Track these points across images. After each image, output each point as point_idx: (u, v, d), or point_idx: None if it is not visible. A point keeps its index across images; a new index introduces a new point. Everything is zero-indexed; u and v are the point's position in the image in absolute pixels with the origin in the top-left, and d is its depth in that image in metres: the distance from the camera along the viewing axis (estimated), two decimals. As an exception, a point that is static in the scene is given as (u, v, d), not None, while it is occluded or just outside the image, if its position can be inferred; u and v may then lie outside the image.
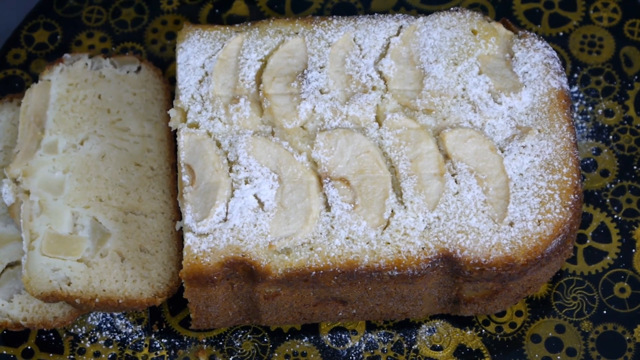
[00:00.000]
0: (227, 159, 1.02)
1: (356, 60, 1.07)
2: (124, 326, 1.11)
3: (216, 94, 1.05)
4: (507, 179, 1.01)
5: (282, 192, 1.01)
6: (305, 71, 1.06)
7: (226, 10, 1.27)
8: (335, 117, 1.04)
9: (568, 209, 1.00)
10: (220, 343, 1.10)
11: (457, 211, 1.00)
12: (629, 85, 1.22)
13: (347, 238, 1.00)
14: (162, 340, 1.10)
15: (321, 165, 1.02)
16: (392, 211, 1.01)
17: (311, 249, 0.99)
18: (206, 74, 1.06)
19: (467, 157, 1.02)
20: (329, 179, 1.01)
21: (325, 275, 0.99)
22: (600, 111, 1.21)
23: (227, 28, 1.10)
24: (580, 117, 1.20)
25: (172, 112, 1.06)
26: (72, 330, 1.11)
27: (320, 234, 1.00)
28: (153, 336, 1.11)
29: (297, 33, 1.09)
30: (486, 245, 0.99)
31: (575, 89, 1.22)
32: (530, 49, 1.08)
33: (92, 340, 1.10)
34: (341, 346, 1.10)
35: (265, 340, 1.10)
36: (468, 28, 1.09)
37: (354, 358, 1.10)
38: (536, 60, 1.07)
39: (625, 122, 1.20)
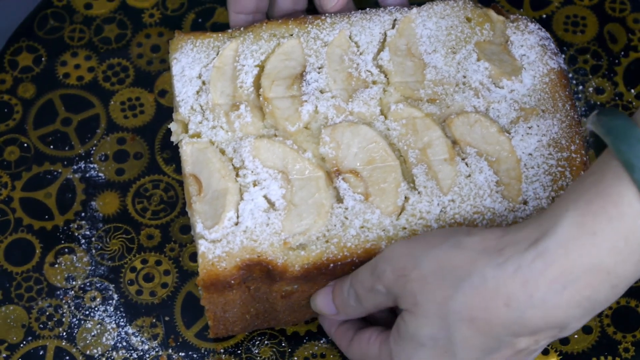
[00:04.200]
0: (233, 165, 1.02)
1: (354, 57, 1.07)
2: (140, 343, 1.10)
3: (215, 103, 1.04)
4: (517, 160, 1.02)
5: (291, 191, 1.00)
6: (304, 73, 1.05)
7: (210, 19, 1.27)
8: (339, 114, 1.04)
9: None
10: (239, 352, 1.10)
11: (471, 193, 1.00)
12: (616, 61, 1.23)
13: (362, 227, 0.99)
14: (180, 353, 1.10)
15: (329, 160, 1.01)
16: (405, 197, 1.00)
17: (327, 242, 0.99)
18: (203, 83, 1.06)
19: (475, 141, 1.03)
20: (338, 172, 1.01)
21: (343, 267, 0.98)
22: (591, 89, 1.22)
23: (220, 35, 1.09)
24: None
25: (173, 126, 1.05)
26: (87, 352, 1.10)
27: (335, 226, 0.99)
28: (170, 351, 1.10)
29: (291, 35, 1.08)
30: (503, 224, 1.00)
31: (564, 69, 1.23)
32: (524, 31, 1.09)
33: (109, 360, 1.10)
34: (359, 344, 1.10)
35: (283, 344, 1.10)
36: (462, 16, 1.10)
37: (373, 355, 1.10)
38: (532, 42, 1.08)
39: (617, 98, 1.21)
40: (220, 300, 1.01)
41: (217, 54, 1.07)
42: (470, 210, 1.00)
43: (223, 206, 1.00)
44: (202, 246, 0.99)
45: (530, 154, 1.03)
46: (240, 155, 1.02)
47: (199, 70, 1.07)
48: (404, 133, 1.03)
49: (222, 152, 1.03)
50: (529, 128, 1.04)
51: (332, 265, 0.99)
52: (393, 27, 1.09)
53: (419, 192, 1.01)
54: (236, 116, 1.04)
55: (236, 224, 1.00)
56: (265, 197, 1.00)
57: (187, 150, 1.03)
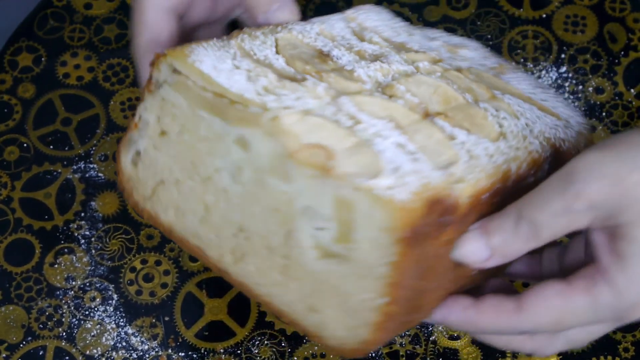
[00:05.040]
0: (342, 124, 0.92)
1: (346, 42, 1.04)
2: (140, 343, 1.10)
3: (281, 80, 0.95)
4: (527, 96, 1.00)
5: (410, 135, 0.92)
6: (325, 51, 1.01)
7: (209, 19, 1.27)
8: (386, 75, 0.99)
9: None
10: (239, 352, 1.10)
11: (533, 114, 0.97)
12: (616, 61, 1.23)
13: (487, 155, 0.92)
14: (180, 353, 1.10)
15: (415, 106, 0.95)
16: (498, 124, 0.95)
17: (471, 173, 0.91)
18: (248, 71, 0.95)
19: (490, 85, 1.01)
20: (429, 115, 0.95)
21: (491, 198, 0.91)
22: (590, 89, 1.22)
23: (215, 40, 1.03)
24: (572, 97, 1.21)
25: (255, 109, 0.91)
26: (87, 352, 1.10)
27: (465, 158, 0.91)
28: (170, 351, 1.10)
29: (278, 32, 1.04)
30: (573, 137, 0.98)
31: (563, 69, 1.23)
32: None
33: (109, 360, 1.10)
34: (359, 344, 1.10)
35: (283, 344, 1.10)
36: (390, 14, 1.08)
37: (373, 354, 1.10)
38: (438, 34, 1.08)
39: (617, 97, 1.21)
40: (413, 266, 0.87)
41: (235, 50, 0.98)
42: (546, 128, 0.96)
43: (370, 157, 0.88)
44: (383, 192, 0.85)
45: (533, 93, 1.01)
46: (347, 114, 0.91)
47: (231, 64, 0.95)
48: (448, 83, 0.99)
49: (322, 117, 0.92)
50: (513, 78, 1.02)
51: (485, 195, 0.90)
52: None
53: (504, 118, 0.95)
54: (313, 83, 0.94)
55: (396, 169, 0.87)
56: (395, 143, 0.90)
57: (290, 122, 0.90)
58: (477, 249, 0.87)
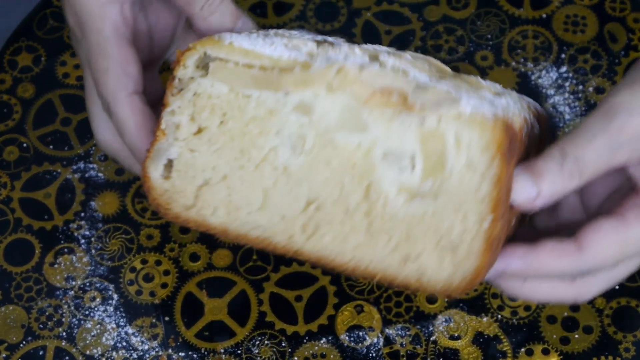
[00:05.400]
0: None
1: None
2: (140, 343, 1.10)
3: (321, 45, 0.93)
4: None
5: (447, 84, 0.91)
6: (320, 40, 0.99)
7: (209, 19, 1.26)
8: (380, 54, 0.99)
9: None
10: (239, 352, 1.10)
11: (500, 87, 0.95)
12: (616, 61, 1.23)
13: (507, 104, 0.90)
14: (180, 354, 1.10)
15: (429, 69, 0.93)
16: (493, 87, 0.94)
17: (509, 112, 0.89)
18: (285, 45, 0.92)
19: None
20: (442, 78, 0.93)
21: (526, 137, 0.91)
22: (591, 89, 1.22)
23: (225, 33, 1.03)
24: (572, 97, 1.21)
25: (316, 68, 0.90)
26: (87, 352, 1.10)
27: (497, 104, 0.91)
28: (170, 351, 1.10)
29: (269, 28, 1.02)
30: (537, 104, 0.97)
31: (564, 69, 1.23)
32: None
33: (109, 360, 1.10)
34: (360, 344, 1.10)
35: (284, 345, 1.10)
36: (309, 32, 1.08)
37: (374, 354, 1.10)
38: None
39: (617, 97, 1.21)
40: (507, 185, 0.86)
41: (259, 33, 0.95)
42: (517, 94, 0.95)
43: (442, 91, 0.88)
44: (475, 116, 0.86)
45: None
46: (392, 67, 0.90)
47: (264, 41, 0.92)
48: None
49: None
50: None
51: (523, 133, 0.89)
52: None
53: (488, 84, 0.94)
54: (348, 47, 0.92)
55: (467, 100, 0.87)
56: (444, 89, 0.89)
57: (356, 73, 0.89)
58: (526, 189, 0.86)
